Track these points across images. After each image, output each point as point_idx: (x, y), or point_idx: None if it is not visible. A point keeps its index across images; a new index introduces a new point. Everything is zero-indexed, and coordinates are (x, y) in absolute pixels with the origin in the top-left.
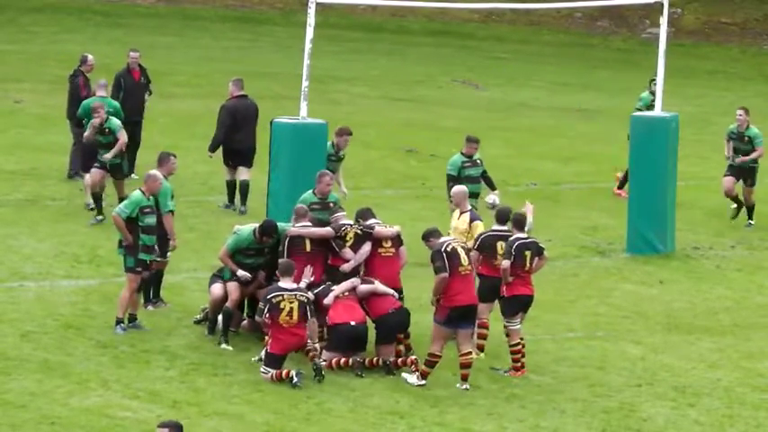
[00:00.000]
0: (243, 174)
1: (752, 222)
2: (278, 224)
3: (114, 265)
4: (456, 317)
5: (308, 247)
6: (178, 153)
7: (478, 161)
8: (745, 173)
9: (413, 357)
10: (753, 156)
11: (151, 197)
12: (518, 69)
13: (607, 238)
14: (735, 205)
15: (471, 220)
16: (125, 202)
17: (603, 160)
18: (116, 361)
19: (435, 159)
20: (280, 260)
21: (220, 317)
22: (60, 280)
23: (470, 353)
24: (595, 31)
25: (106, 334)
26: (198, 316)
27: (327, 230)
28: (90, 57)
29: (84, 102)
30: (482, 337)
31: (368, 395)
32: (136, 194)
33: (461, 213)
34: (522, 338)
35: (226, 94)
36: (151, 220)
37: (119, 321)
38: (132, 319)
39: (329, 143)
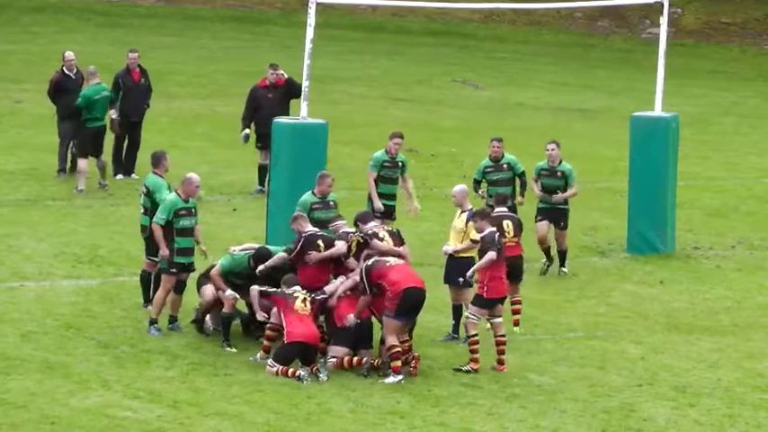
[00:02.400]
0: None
1: (565, 270)
2: (271, 251)
3: (114, 265)
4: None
5: (323, 251)
6: (178, 153)
7: (505, 165)
8: (558, 215)
9: (415, 354)
10: (569, 194)
11: (190, 199)
12: (518, 69)
13: (607, 238)
14: (545, 259)
15: (468, 220)
16: (160, 207)
17: (603, 160)
18: (116, 361)
19: (435, 159)
20: (285, 276)
21: (210, 319)
22: (60, 280)
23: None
24: (595, 31)
25: (106, 334)
26: (193, 316)
27: (341, 249)
28: (67, 53)
29: (85, 92)
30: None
31: (368, 395)
32: (171, 197)
33: (461, 212)
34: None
35: (225, 94)
36: (187, 222)
37: (152, 322)
38: (172, 320)
39: (382, 151)
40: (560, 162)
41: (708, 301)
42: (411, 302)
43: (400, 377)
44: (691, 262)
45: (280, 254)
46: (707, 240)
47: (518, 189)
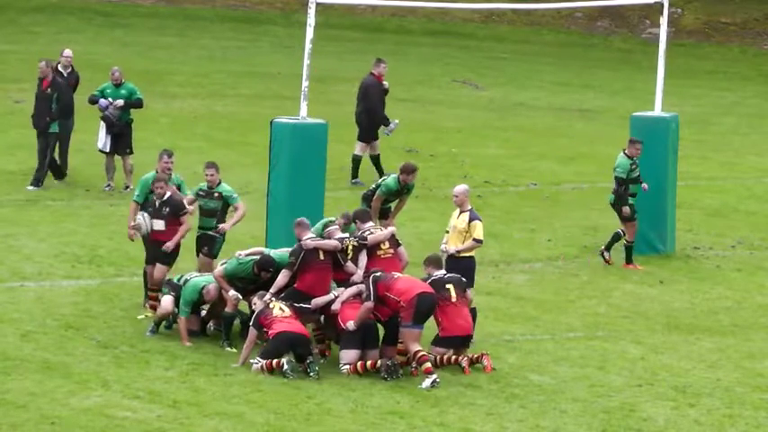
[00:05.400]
0: (356, 147)
1: None
2: (275, 257)
3: (114, 265)
4: None
5: (322, 256)
6: (178, 153)
7: (637, 162)
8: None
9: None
10: (235, 218)
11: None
12: (518, 69)
13: (607, 238)
14: None
15: (470, 220)
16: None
17: (604, 160)
18: (116, 361)
19: (435, 159)
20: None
21: (210, 320)
22: (60, 280)
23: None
24: (595, 31)
25: (106, 334)
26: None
27: (336, 244)
28: (66, 50)
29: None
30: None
31: (368, 395)
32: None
33: (461, 212)
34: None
35: (224, 94)
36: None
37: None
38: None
39: (394, 177)
40: (219, 184)
41: (708, 301)
42: (425, 307)
43: (434, 376)
44: (691, 262)
45: (283, 272)
46: (707, 240)
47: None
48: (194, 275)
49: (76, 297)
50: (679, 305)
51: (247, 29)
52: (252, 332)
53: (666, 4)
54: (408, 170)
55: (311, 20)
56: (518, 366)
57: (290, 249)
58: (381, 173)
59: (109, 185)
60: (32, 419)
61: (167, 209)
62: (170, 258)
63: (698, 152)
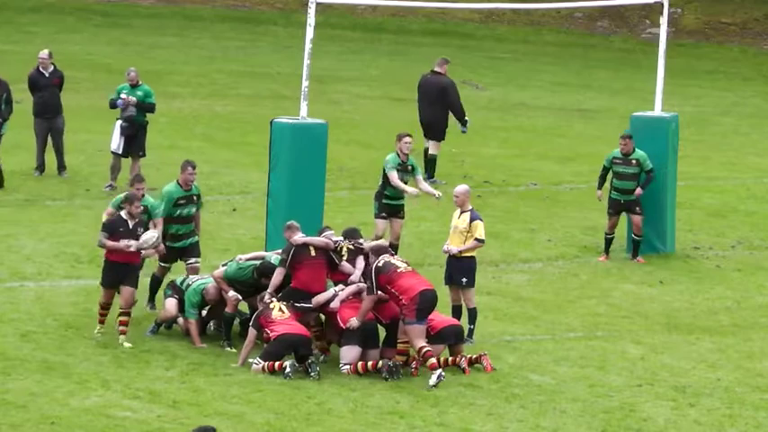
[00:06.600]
0: (429, 146)
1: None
2: (275, 263)
3: None
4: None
5: (313, 252)
6: (178, 153)
7: (634, 161)
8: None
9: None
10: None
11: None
12: (518, 69)
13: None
14: None
15: (472, 220)
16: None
17: (603, 160)
18: (116, 361)
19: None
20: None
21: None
22: (60, 280)
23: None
24: (595, 31)
25: (106, 334)
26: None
27: (327, 241)
28: (41, 52)
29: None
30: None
31: (368, 395)
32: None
33: (462, 212)
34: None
35: (224, 94)
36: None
37: (157, 324)
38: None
39: (393, 154)
40: (143, 197)
41: (708, 301)
42: (427, 303)
43: (440, 371)
44: (691, 262)
45: (277, 270)
46: (707, 240)
47: (641, 182)
48: (195, 279)
49: (76, 297)
50: (679, 305)
51: (247, 29)
52: (251, 332)
53: (666, 4)
54: (399, 135)
55: (311, 20)
56: (518, 366)
57: None
58: (432, 172)
59: (110, 185)
60: (32, 419)
61: (142, 230)
62: (137, 279)
63: (698, 152)
